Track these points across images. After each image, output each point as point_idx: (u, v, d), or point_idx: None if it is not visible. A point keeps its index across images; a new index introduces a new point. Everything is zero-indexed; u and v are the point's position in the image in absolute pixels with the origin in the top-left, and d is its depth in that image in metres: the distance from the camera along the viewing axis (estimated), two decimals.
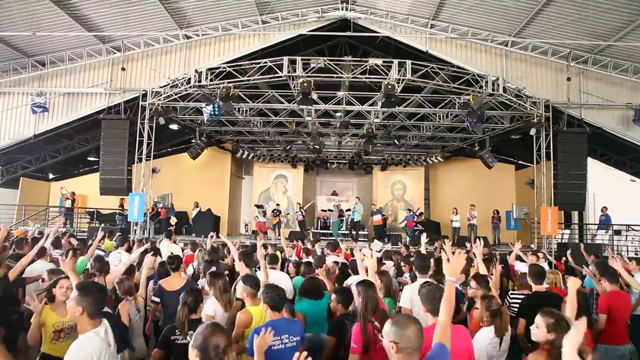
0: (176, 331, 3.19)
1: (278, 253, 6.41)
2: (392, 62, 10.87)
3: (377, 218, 15.26)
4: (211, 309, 3.77)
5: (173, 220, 14.30)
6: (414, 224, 15.04)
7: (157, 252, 6.35)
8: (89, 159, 17.51)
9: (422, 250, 6.01)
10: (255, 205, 16.70)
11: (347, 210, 16.89)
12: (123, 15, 12.05)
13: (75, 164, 18.55)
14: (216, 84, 11.24)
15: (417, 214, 15.51)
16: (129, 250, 7.53)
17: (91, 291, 2.58)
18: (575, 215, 15.27)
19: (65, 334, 3.24)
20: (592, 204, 13.91)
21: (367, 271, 3.82)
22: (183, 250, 8.02)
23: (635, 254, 11.98)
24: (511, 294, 4.90)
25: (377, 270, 4.17)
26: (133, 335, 3.91)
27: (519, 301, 4.51)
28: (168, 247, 7.60)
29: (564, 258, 8.32)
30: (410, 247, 9.73)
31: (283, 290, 3.36)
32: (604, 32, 11.56)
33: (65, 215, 14.37)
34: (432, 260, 4.99)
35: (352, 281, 4.89)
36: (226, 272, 5.05)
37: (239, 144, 17.32)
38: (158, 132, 13.27)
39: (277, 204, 16.79)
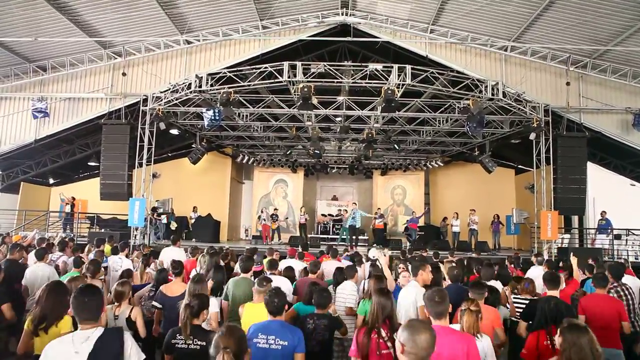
0: (177, 335, 3.18)
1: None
2: (392, 67, 10.92)
3: (378, 222, 15.46)
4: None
5: (173, 226, 14.32)
6: (417, 227, 15.19)
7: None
8: (89, 164, 17.49)
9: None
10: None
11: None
12: (124, 21, 12.11)
13: (76, 169, 18.54)
14: (217, 89, 11.28)
15: (418, 216, 15.81)
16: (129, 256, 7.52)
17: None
18: (575, 219, 15.25)
19: None
20: (592, 209, 13.89)
21: None
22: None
23: (636, 259, 11.96)
24: (513, 297, 4.93)
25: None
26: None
27: (521, 304, 4.54)
28: (176, 253, 7.40)
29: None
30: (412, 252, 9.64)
31: (284, 295, 3.38)
32: (603, 36, 11.61)
33: (65, 221, 14.35)
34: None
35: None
36: None
37: (239, 149, 17.35)
38: (158, 137, 13.26)
39: (275, 209, 16.76)
